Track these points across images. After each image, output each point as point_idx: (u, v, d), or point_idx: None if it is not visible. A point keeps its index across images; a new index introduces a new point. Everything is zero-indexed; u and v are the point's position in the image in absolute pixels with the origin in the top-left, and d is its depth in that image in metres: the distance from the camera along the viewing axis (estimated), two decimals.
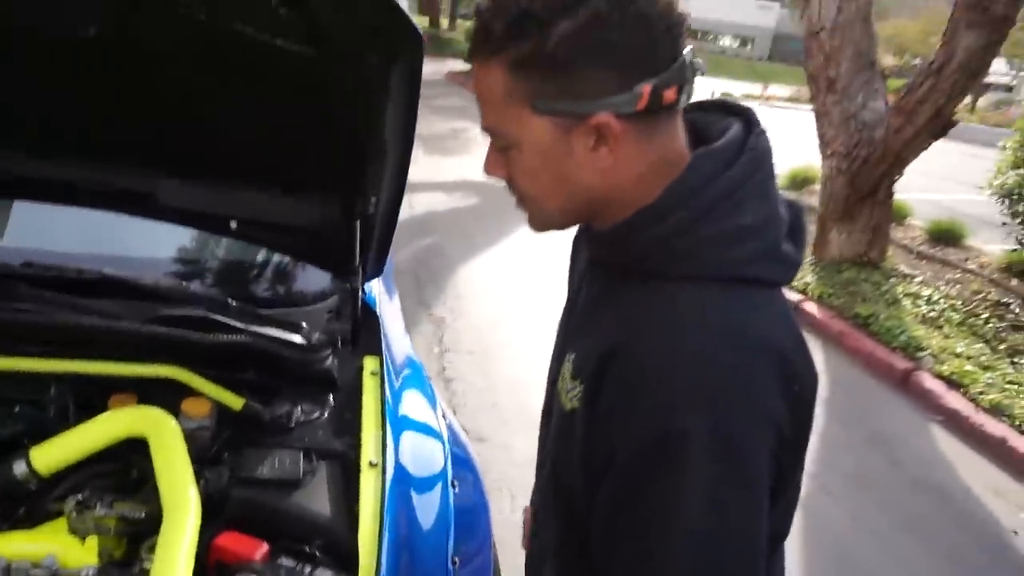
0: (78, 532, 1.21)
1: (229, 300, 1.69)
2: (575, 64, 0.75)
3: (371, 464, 1.39)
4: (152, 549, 1.21)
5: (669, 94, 0.77)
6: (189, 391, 1.54)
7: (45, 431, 1.42)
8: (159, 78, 1.29)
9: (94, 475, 1.37)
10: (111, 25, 1.15)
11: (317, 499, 1.35)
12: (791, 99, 22.81)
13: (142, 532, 1.27)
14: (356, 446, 1.45)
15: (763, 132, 0.85)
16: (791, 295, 5.64)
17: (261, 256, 2.00)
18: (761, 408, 0.76)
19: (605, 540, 0.81)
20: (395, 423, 1.53)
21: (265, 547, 1.25)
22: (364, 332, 1.73)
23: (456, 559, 1.36)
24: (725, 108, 0.90)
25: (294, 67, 1.11)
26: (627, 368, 0.78)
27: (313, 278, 1.94)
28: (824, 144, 6.21)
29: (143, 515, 1.26)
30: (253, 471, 1.36)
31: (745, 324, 0.79)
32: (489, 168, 0.87)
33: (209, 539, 1.22)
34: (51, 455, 1.31)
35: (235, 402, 1.51)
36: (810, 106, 6.44)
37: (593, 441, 0.81)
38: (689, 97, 0.80)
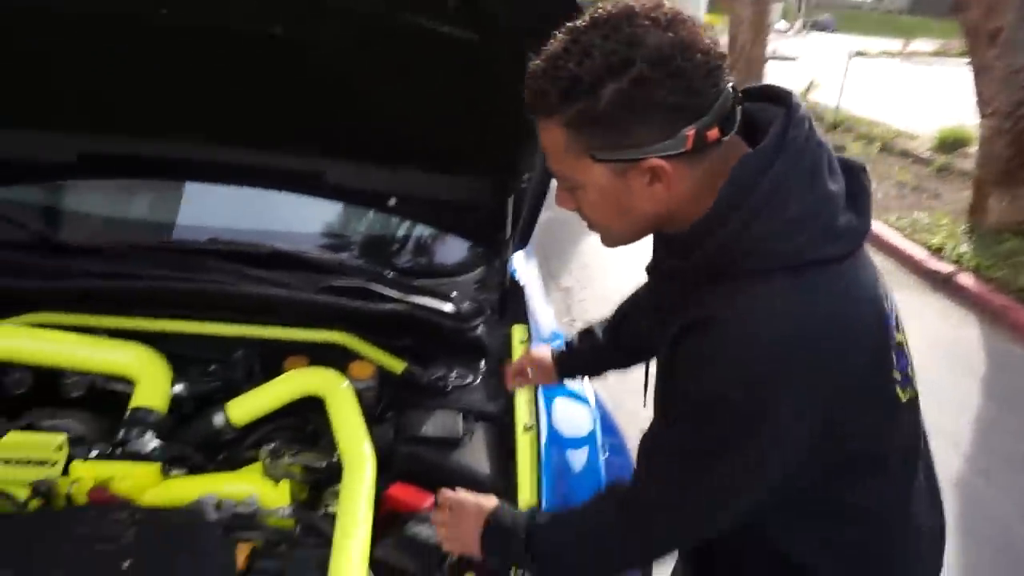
0: (271, 477, 1.35)
1: (386, 272, 1.81)
2: (623, 120, 0.84)
3: (526, 427, 1.46)
4: (334, 495, 1.34)
5: (712, 133, 0.85)
6: (354, 355, 1.68)
7: (234, 388, 1.59)
8: (329, 67, 1.39)
9: (278, 428, 1.53)
10: (294, 22, 1.25)
11: (476, 458, 1.43)
12: (937, 53, 20.89)
13: (322, 480, 1.41)
14: (510, 410, 1.52)
15: (802, 120, 0.88)
16: (942, 266, 5.25)
17: (413, 230, 2.11)
18: (814, 380, 0.85)
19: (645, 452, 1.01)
20: (545, 389, 1.59)
21: (432, 498, 1.35)
22: (511, 302, 1.80)
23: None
24: (771, 95, 0.94)
25: (456, 53, 1.17)
26: (703, 338, 0.88)
27: (459, 251, 2.03)
28: (983, 103, 5.67)
29: (324, 465, 1.39)
30: (417, 430, 1.46)
31: (807, 306, 0.86)
32: (560, 203, 0.99)
33: (380, 490, 1.33)
34: (244, 409, 1.47)
35: (396, 366, 1.63)
36: (962, 61, 5.89)
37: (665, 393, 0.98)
38: (734, 126, 0.87)
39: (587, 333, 1.48)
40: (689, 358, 0.90)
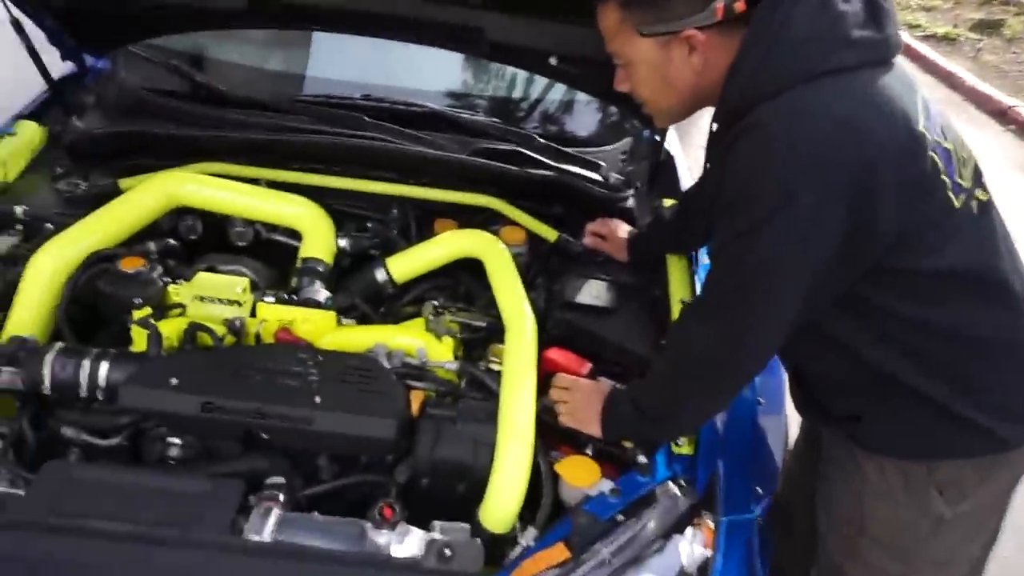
0: (434, 332, 1.41)
1: (536, 137, 1.77)
2: None
3: (683, 302, 1.45)
4: (495, 353, 1.39)
5: (739, 5, 0.98)
6: (501, 220, 1.68)
7: (391, 245, 1.64)
8: None
9: (435, 287, 1.58)
10: None
11: (631, 329, 1.44)
12: None
13: (479, 339, 1.47)
14: (664, 283, 1.51)
15: None
16: None
17: (563, 96, 2.04)
18: (832, 175, 0.94)
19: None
20: (702, 264, 1.56)
21: (590, 365, 1.38)
22: (662, 175, 1.74)
23: (760, 399, 1.41)
24: None
25: None
26: (736, 145, 1.00)
27: (607, 120, 1.96)
28: None
29: (484, 324, 1.44)
30: (571, 297, 1.47)
31: (821, 107, 0.95)
32: (617, 84, 1.17)
33: (537, 353, 1.36)
34: (404, 265, 1.52)
35: (549, 233, 1.63)
36: None
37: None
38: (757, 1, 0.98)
39: (657, 220, 1.58)
40: (728, 166, 1.02)
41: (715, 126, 1.13)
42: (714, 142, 1.16)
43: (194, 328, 1.28)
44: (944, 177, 1.02)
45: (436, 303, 1.43)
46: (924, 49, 7.05)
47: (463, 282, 1.60)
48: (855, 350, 1.13)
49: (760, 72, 0.98)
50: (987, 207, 1.11)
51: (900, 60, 1.05)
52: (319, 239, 1.52)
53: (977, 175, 1.11)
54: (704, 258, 1.59)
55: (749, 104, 0.99)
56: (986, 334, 1.11)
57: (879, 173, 0.95)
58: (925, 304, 1.07)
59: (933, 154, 1.00)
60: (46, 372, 1.17)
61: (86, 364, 1.18)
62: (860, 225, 0.97)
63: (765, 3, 0.99)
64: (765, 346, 1.09)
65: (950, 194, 1.03)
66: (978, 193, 1.10)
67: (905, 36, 6.13)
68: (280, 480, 1.13)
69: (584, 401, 1.27)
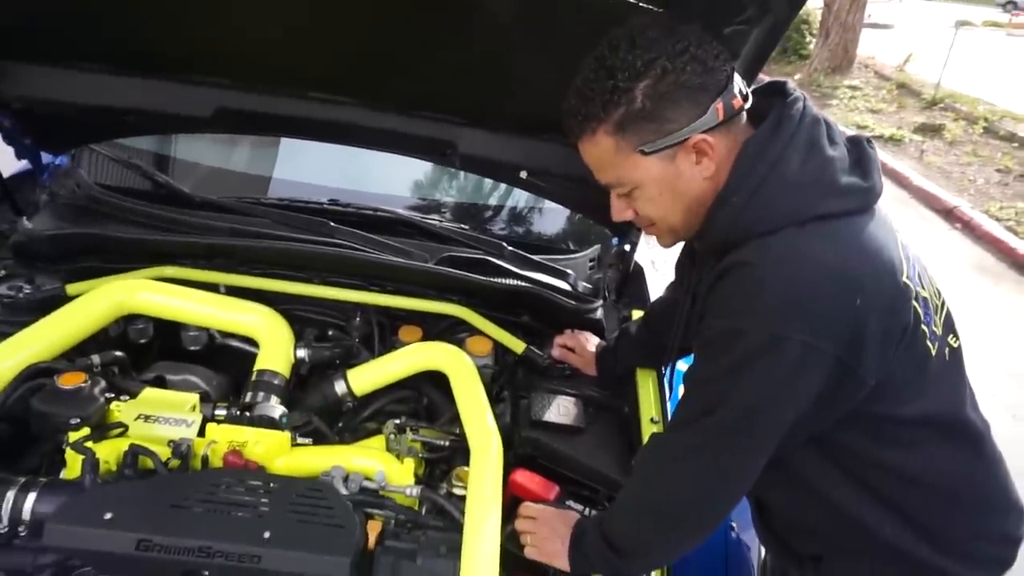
0: (395, 452, 1.33)
1: (504, 245, 1.76)
2: (660, 110, 0.97)
3: (653, 421, 1.41)
4: (459, 477, 1.32)
5: (736, 102, 0.99)
6: (469, 328, 1.64)
7: (352, 355, 1.58)
8: (488, 33, 1.32)
9: (397, 400, 1.52)
10: None
11: (599, 449, 1.39)
12: None
13: (442, 457, 1.39)
14: (634, 401, 1.47)
15: (796, 102, 1.00)
16: None
17: (530, 204, 2.05)
18: (821, 321, 0.93)
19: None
20: (669, 377, 1.53)
21: (557, 489, 1.32)
22: (631, 285, 1.73)
23: (733, 524, 1.36)
24: (776, 89, 1.06)
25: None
26: (724, 282, 0.99)
27: (575, 228, 1.97)
28: None
29: (447, 444, 1.37)
30: (539, 414, 1.42)
31: (811, 253, 0.95)
32: (617, 215, 1.11)
33: (504, 474, 1.30)
34: (365, 378, 1.46)
35: (516, 345, 1.59)
36: None
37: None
38: (748, 96, 1.01)
39: (624, 333, 1.56)
40: (713, 299, 1.02)
41: (696, 244, 1.11)
42: (693, 260, 1.15)
43: (135, 451, 1.19)
44: (923, 327, 1.02)
45: (398, 421, 1.37)
46: None
47: (426, 394, 1.54)
48: (820, 489, 1.11)
49: (749, 209, 0.97)
50: (957, 354, 1.12)
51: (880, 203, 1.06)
52: (276, 350, 1.45)
53: (949, 322, 1.12)
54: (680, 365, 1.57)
55: (738, 238, 0.98)
56: (954, 480, 1.10)
57: (867, 323, 0.94)
58: (895, 447, 1.06)
59: (915, 303, 1.01)
60: None
61: (10, 496, 1.08)
62: (844, 372, 0.96)
63: (757, 136, 0.99)
64: (742, 485, 1.06)
65: (928, 343, 1.03)
66: (950, 340, 1.11)
67: None
68: None
69: (550, 533, 1.20)
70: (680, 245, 1.21)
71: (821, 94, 9.59)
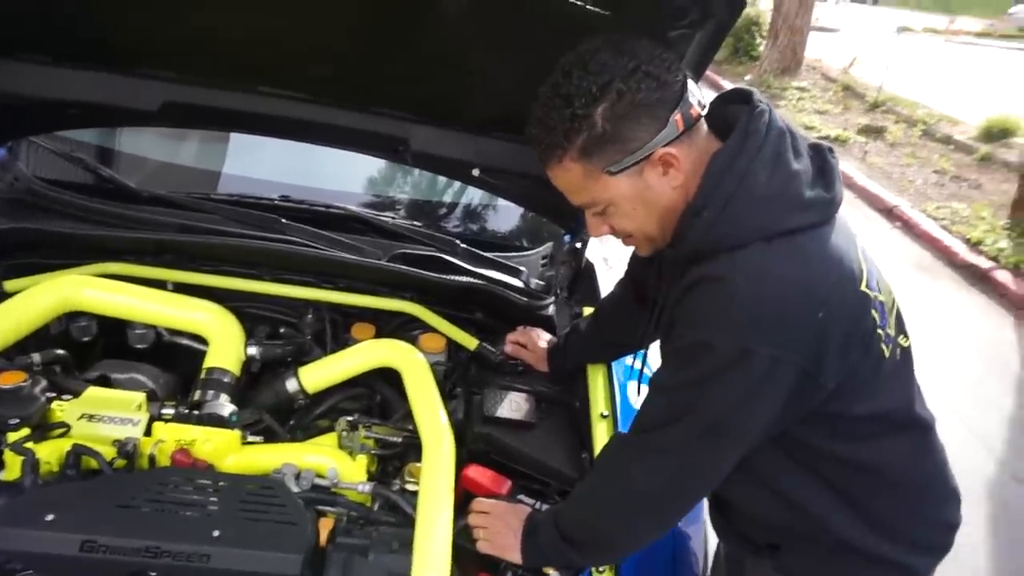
0: (348, 449, 1.34)
1: (457, 242, 1.77)
2: (622, 129, 0.99)
3: (602, 416, 1.44)
4: (411, 473, 1.32)
5: (694, 110, 1.01)
6: (422, 326, 1.65)
7: (304, 352, 1.57)
8: (441, 31, 1.32)
9: (349, 398, 1.51)
10: None
11: (551, 444, 1.41)
12: (983, 34, 20.25)
13: (395, 454, 1.40)
14: (584, 396, 1.50)
15: (761, 115, 1.02)
16: (981, 261, 5.16)
17: (483, 201, 2.06)
18: (787, 334, 0.96)
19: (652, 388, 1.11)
20: (618, 372, 1.57)
21: (509, 483, 1.33)
22: (583, 282, 1.76)
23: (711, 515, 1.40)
24: (742, 97, 1.08)
25: (578, 26, 1.10)
26: (693, 296, 1.02)
27: (527, 225, 1.99)
28: None
29: (400, 440, 1.38)
30: (491, 410, 1.43)
31: (778, 269, 0.97)
32: (594, 233, 1.14)
33: (455, 470, 1.31)
34: (317, 375, 1.45)
35: (469, 341, 1.60)
36: (1007, 44, 5.65)
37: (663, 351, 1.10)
38: (704, 103, 1.04)
39: (575, 329, 1.58)
40: (682, 310, 1.04)
41: (667, 251, 1.12)
42: (656, 263, 1.19)
43: (78, 451, 1.17)
44: (879, 330, 1.06)
45: (350, 418, 1.37)
46: None
47: (379, 391, 1.55)
48: (774, 481, 1.15)
49: (719, 224, 1.00)
50: (907, 353, 1.17)
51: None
52: (226, 347, 1.44)
53: (899, 322, 1.16)
54: (630, 360, 1.60)
55: (707, 251, 1.01)
56: (902, 471, 1.15)
57: (829, 333, 0.98)
58: (848, 441, 1.11)
59: (873, 310, 1.05)
60: None
61: None
62: (806, 380, 1.00)
63: (724, 150, 1.01)
64: (704, 488, 1.11)
65: (883, 346, 1.07)
66: (900, 340, 1.15)
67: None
68: None
69: (503, 527, 1.22)
70: None
71: (771, 95, 9.82)
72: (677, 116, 0.99)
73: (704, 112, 1.03)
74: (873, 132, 8.30)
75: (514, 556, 1.20)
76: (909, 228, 5.94)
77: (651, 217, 1.07)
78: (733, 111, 1.06)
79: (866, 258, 1.08)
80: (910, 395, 1.16)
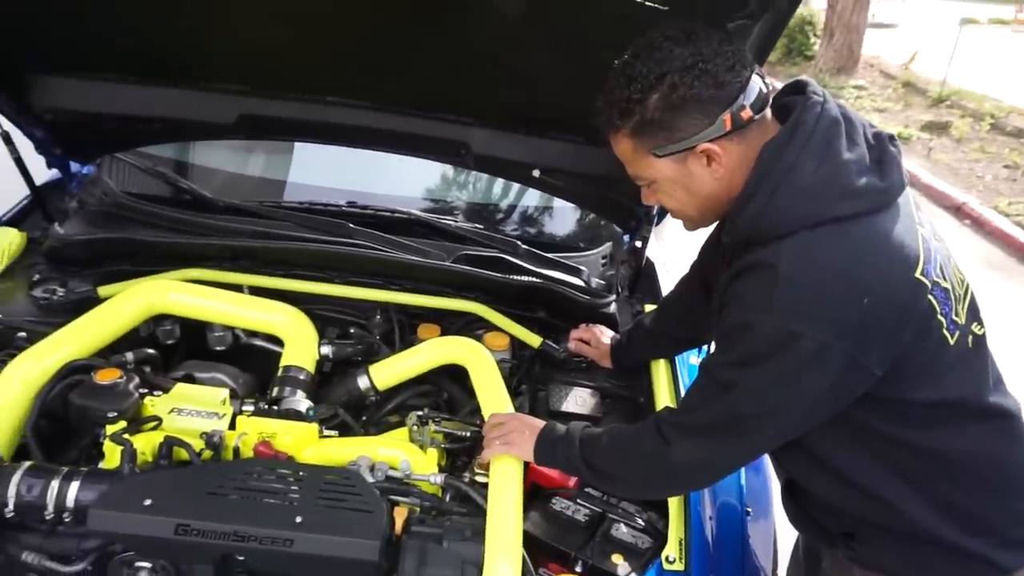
0: (419, 443, 1.38)
1: (518, 243, 1.80)
2: (670, 120, 1.04)
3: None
4: (480, 465, 1.36)
5: (745, 114, 1.03)
6: (486, 326, 1.69)
7: (373, 352, 1.63)
8: (494, 33, 1.36)
9: (417, 395, 1.56)
10: None
11: None
12: None
13: (463, 448, 1.44)
14: (648, 391, 1.51)
15: (814, 106, 1.04)
16: None
17: (542, 203, 2.10)
18: (830, 320, 0.98)
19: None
20: (683, 368, 1.57)
21: (577, 478, 1.35)
22: (644, 280, 1.77)
23: (749, 508, 1.39)
24: (799, 87, 1.11)
25: (636, 23, 1.13)
26: (741, 281, 1.05)
27: (587, 224, 2.01)
28: None
29: (468, 435, 1.41)
30: (557, 405, 1.46)
31: (825, 257, 0.99)
32: (645, 199, 1.19)
33: (525, 463, 1.34)
34: (387, 372, 1.50)
35: (532, 339, 1.63)
36: None
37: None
38: (765, 104, 1.06)
39: (639, 326, 1.60)
40: (731, 294, 1.08)
41: (724, 238, 1.16)
42: (718, 252, 1.23)
43: (170, 443, 1.24)
44: (940, 317, 1.05)
45: (420, 413, 1.41)
46: None
47: (445, 388, 1.59)
48: (846, 469, 1.14)
49: (766, 214, 1.03)
50: (981, 341, 1.15)
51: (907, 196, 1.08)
52: (301, 346, 1.50)
53: (973, 310, 1.14)
54: (692, 359, 1.61)
55: (757, 238, 1.05)
56: (980, 461, 1.12)
57: (876, 321, 0.99)
58: (918, 429, 1.10)
59: (931, 297, 1.04)
60: (11, 493, 1.12)
61: (55, 484, 1.13)
62: (852, 366, 1.00)
63: (775, 141, 1.04)
64: (733, 468, 1.15)
65: (945, 333, 1.06)
66: (974, 328, 1.13)
67: None
68: None
69: (519, 426, 1.29)
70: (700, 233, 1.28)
71: None
72: (726, 116, 1.02)
73: (757, 116, 1.04)
74: (937, 128, 8.02)
75: (524, 453, 1.27)
76: (979, 225, 5.73)
77: (692, 201, 1.13)
78: (792, 101, 1.08)
79: (930, 246, 1.08)
80: (982, 384, 1.14)
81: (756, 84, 1.04)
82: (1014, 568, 1.16)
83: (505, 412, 1.33)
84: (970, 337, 1.11)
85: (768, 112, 1.07)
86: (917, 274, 1.02)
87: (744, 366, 1.03)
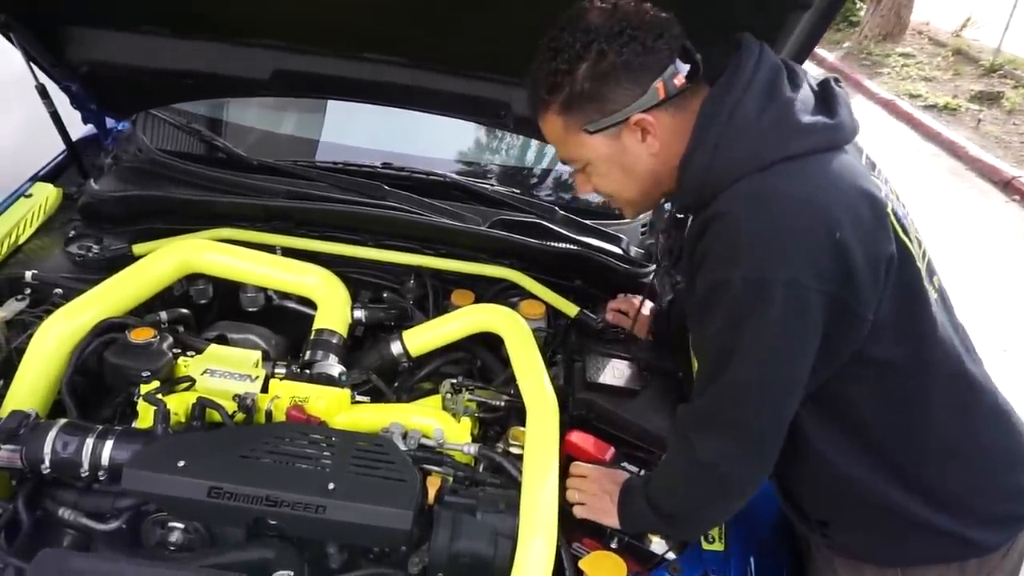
0: (452, 411, 1.35)
1: (556, 208, 1.75)
2: (600, 91, 1.00)
3: None
4: (515, 436, 1.33)
5: (678, 80, 1.00)
6: (522, 292, 1.65)
7: (406, 317, 1.60)
8: None
9: (450, 362, 1.53)
10: None
11: (654, 412, 1.39)
12: None
13: (496, 418, 1.41)
14: (688, 364, 1.46)
15: (751, 51, 1.00)
16: None
17: None
18: (802, 258, 0.92)
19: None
20: None
21: (613, 450, 1.32)
22: None
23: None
24: (735, 44, 1.04)
25: None
26: (701, 239, 0.99)
27: None
28: None
29: (502, 404, 1.39)
30: (594, 376, 1.42)
31: (784, 189, 0.94)
32: (580, 188, 1.15)
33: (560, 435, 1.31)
34: (421, 339, 1.48)
35: (569, 308, 1.59)
36: None
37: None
38: (698, 70, 1.02)
39: (677, 297, 1.55)
40: (696, 259, 1.01)
41: (677, 215, 1.13)
42: (677, 228, 1.18)
43: (203, 404, 1.23)
44: (918, 264, 1.01)
45: (454, 381, 1.38)
46: (925, 118, 7.16)
47: (479, 356, 1.56)
48: (821, 448, 1.09)
49: (714, 164, 0.98)
50: (945, 298, 1.10)
51: (859, 146, 1.05)
52: (334, 310, 1.48)
53: (931, 267, 1.09)
54: None
55: (708, 195, 0.99)
56: (953, 434, 1.08)
57: (851, 254, 0.93)
58: (893, 403, 1.05)
59: (905, 239, 0.99)
60: (47, 450, 1.12)
61: (89, 442, 1.13)
62: (842, 309, 0.94)
63: (712, 91, 1.00)
64: (770, 445, 1.04)
65: (925, 283, 1.02)
66: (936, 283, 1.08)
67: (906, 105, 6.16)
68: (288, 574, 1.06)
69: (599, 490, 1.22)
70: None
71: (871, 63, 9.26)
72: (659, 83, 0.99)
73: (690, 84, 1.00)
74: (988, 99, 7.69)
75: (611, 521, 1.20)
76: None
77: (628, 181, 1.08)
78: (733, 57, 1.03)
79: (889, 193, 1.02)
80: (955, 345, 1.07)
81: (687, 51, 1.01)
82: (995, 546, 1.11)
83: (586, 466, 1.26)
84: (937, 294, 1.06)
85: (702, 81, 1.03)
86: (888, 210, 0.97)
87: (728, 331, 0.97)
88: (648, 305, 1.58)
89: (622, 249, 1.72)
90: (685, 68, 1.00)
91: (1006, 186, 5.79)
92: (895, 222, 0.99)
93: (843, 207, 0.94)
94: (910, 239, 1.02)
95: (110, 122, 1.89)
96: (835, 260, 0.92)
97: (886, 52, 9.53)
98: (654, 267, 1.70)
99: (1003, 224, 5.21)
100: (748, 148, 0.96)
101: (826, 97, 1.01)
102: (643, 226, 1.86)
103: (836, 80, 1.04)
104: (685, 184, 1.03)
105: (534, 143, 2.03)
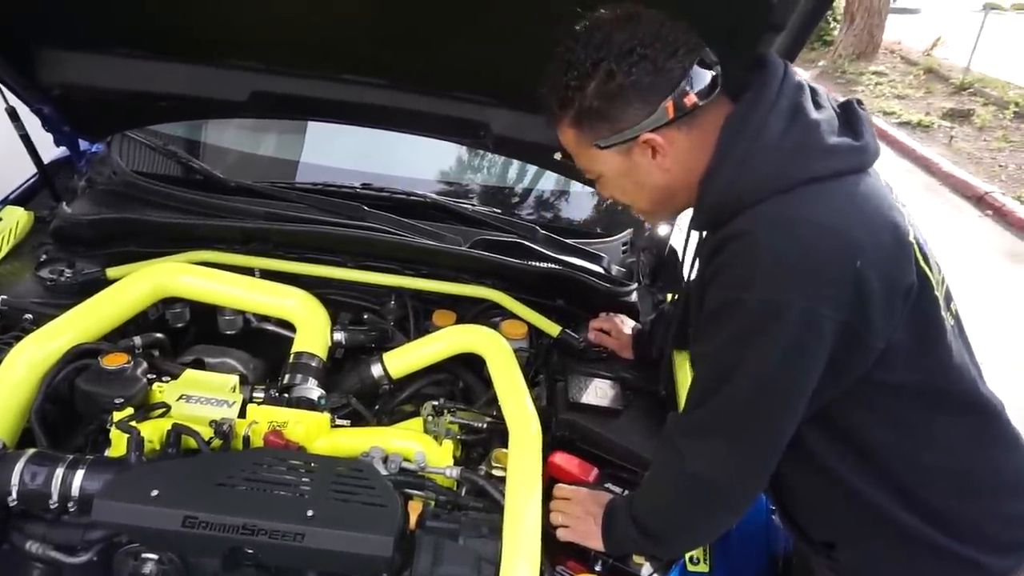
0: (433, 434, 1.33)
1: (537, 228, 1.75)
2: (610, 109, 1.00)
3: None
4: (497, 458, 1.31)
5: (689, 99, 0.98)
6: (503, 313, 1.64)
7: (387, 338, 1.58)
8: (515, 9, 1.30)
9: (432, 383, 1.52)
10: None
11: (637, 431, 1.38)
12: None
13: (479, 440, 1.39)
14: (671, 383, 1.46)
15: (776, 71, 1.00)
16: None
17: (560, 187, 2.04)
18: (820, 285, 0.91)
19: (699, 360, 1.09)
20: None
21: (596, 471, 1.31)
22: (666, 268, 1.72)
23: (774, 507, 1.34)
24: (757, 62, 1.04)
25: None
26: (718, 256, 0.98)
27: (605, 211, 1.95)
28: None
29: (484, 426, 1.37)
30: (576, 396, 1.41)
31: (807, 214, 0.93)
32: (601, 194, 1.16)
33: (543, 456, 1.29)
34: (402, 361, 1.46)
35: (551, 328, 1.58)
36: None
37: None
38: (713, 90, 1.00)
39: (660, 315, 1.54)
40: (710, 274, 1.01)
41: (697, 232, 1.12)
42: (697, 245, 1.16)
43: (178, 430, 1.20)
44: (936, 293, 1.00)
45: (435, 403, 1.36)
46: (900, 135, 7.30)
47: (461, 377, 1.54)
48: (831, 469, 1.08)
49: (737, 182, 0.97)
50: (961, 326, 1.10)
51: (878, 170, 1.04)
52: (313, 332, 1.46)
53: (948, 294, 1.09)
54: None
55: (729, 213, 0.98)
56: (964, 460, 1.07)
57: (869, 283, 0.92)
58: (903, 426, 1.04)
59: (923, 266, 0.99)
60: (15, 482, 1.08)
61: (59, 473, 1.09)
62: (852, 337, 0.94)
63: (738, 108, 0.99)
64: (764, 463, 1.03)
65: (942, 313, 1.01)
66: (954, 309, 1.08)
67: (880, 122, 6.29)
68: None
69: (583, 513, 1.20)
70: None
71: (846, 81, 9.44)
72: (668, 103, 0.98)
73: (703, 102, 0.99)
74: (959, 116, 7.87)
75: (596, 544, 1.18)
76: (1002, 216, 5.61)
77: (641, 194, 1.09)
78: (751, 77, 1.02)
79: (912, 221, 1.02)
80: (969, 372, 1.07)
81: (704, 69, 0.99)
82: (1006, 571, 1.10)
83: (569, 488, 1.24)
84: (953, 321, 1.06)
85: (723, 97, 1.02)
86: (910, 238, 0.97)
87: (734, 348, 0.96)
88: (630, 324, 1.58)
89: (604, 268, 1.72)
90: (703, 82, 0.99)
91: (979, 201, 5.91)
92: (917, 251, 0.99)
93: (866, 235, 0.93)
94: (930, 267, 1.02)
95: (84, 144, 1.86)
96: (853, 289, 0.92)
97: (860, 71, 9.73)
98: (635, 285, 1.70)
99: (977, 238, 5.30)
100: (773, 167, 0.95)
101: (849, 118, 1.01)
102: (624, 244, 1.86)
103: (859, 102, 1.04)
104: (705, 199, 1.02)
105: (514, 162, 2.03)
